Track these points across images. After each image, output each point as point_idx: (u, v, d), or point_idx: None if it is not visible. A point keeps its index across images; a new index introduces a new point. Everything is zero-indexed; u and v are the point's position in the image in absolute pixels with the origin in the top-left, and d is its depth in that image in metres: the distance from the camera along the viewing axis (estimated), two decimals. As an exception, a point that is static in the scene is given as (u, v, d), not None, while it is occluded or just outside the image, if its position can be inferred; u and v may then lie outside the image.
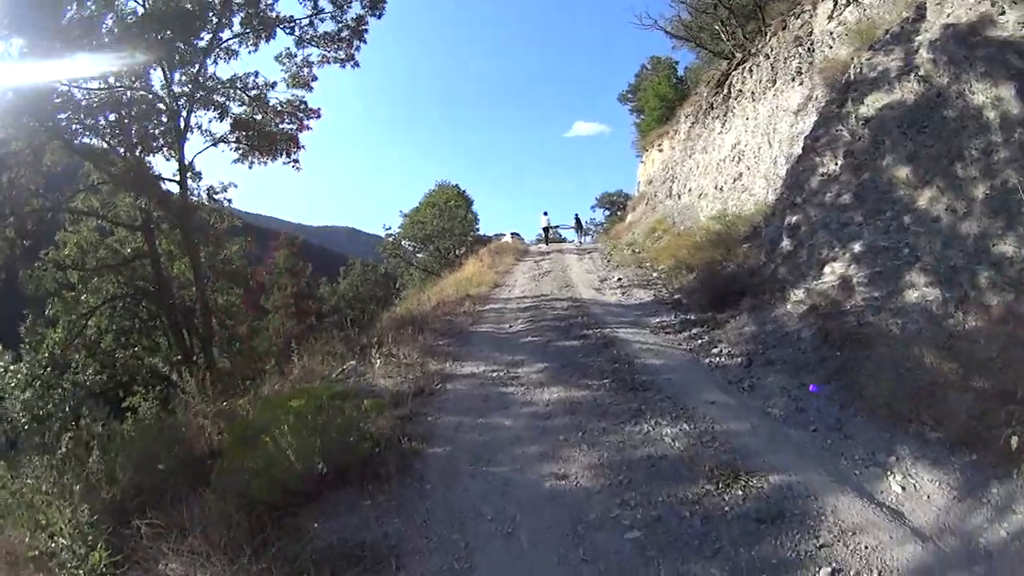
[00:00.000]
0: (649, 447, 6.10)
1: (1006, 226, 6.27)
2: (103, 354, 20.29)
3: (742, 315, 9.32)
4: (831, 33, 14.05)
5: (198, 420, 7.40)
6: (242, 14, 19.57)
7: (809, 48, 15.16)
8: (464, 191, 43.12)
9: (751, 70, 18.46)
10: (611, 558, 4.46)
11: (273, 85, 21.18)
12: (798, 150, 11.54)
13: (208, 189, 22.12)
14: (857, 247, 7.70)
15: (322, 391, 6.88)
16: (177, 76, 19.40)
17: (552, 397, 7.69)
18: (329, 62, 20.98)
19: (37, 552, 4.89)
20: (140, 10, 17.08)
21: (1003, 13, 7.35)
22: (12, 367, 14.81)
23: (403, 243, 43.04)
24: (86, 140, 18.52)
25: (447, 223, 39.47)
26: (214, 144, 20.98)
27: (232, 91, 20.74)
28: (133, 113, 18.31)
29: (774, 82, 16.62)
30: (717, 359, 8.53)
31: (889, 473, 5.17)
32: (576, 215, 39.24)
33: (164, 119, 19.28)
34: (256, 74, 20.92)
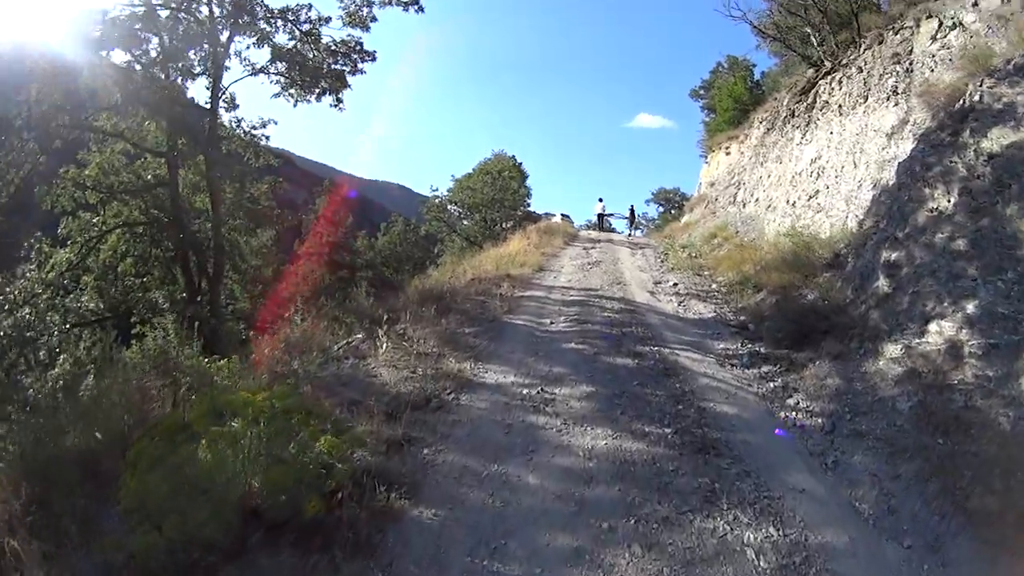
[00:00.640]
0: (727, 563, 4.52)
1: None
2: (115, 279, 19.65)
3: (823, 361, 8.09)
4: (933, 55, 12.92)
5: (151, 381, 6.21)
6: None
7: (908, 68, 13.96)
8: (520, 163, 41.67)
9: (840, 81, 17.17)
10: None
11: (327, 20, 19.93)
12: (889, 176, 10.99)
13: (238, 121, 20.90)
14: (971, 307, 6.72)
15: (280, 395, 5.09)
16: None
17: (597, 444, 6.10)
18: (391, 3, 19.72)
19: None
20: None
21: None
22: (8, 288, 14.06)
23: (449, 207, 41.58)
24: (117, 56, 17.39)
25: (498, 193, 38.01)
26: (253, 74, 19.78)
27: (282, 22, 19.59)
28: (166, 30, 17.40)
29: (865, 98, 15.46)
30: (794, 415, 7.17)
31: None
32: (631, 206, 37.91)
33: (204, 43, 18.33)
34: (310, 7, 19.74)
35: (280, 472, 4.19)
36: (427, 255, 41.26)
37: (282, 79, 20.04)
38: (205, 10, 18.37)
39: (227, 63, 19.22)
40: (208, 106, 19.33)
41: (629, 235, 34.52)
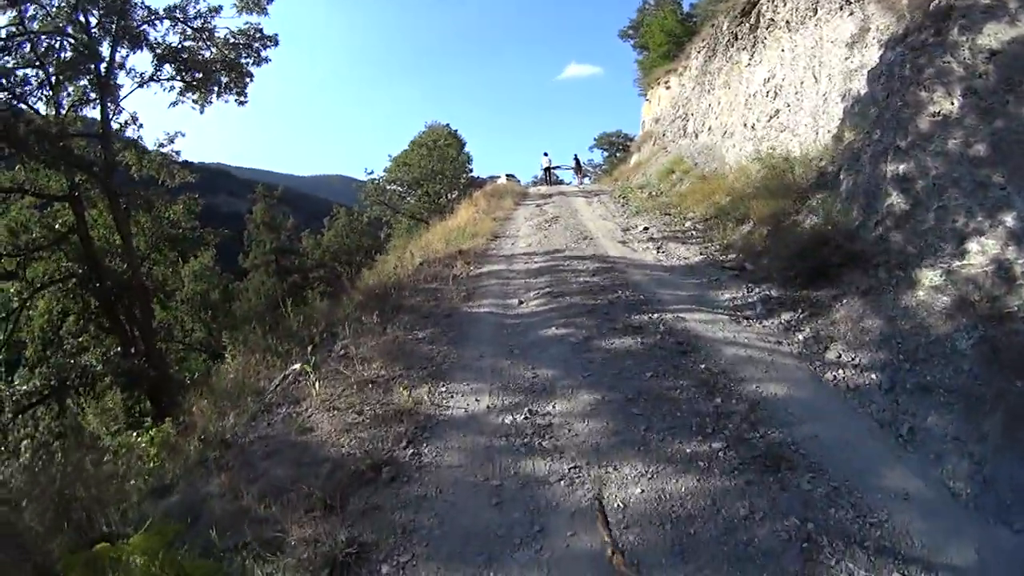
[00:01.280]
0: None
1: None
2: (58, 345, 17.71)
3: (851, 298, 6.98)
4: None
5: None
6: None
7: None
8: (456, 131, 39.29)
9: (784, -2, 16.53)
10: None
11: (218, 10, 18.11)
12: (860, 85, 10.52)
13: (133, 142, 18.80)
14: (1009, 220, 5.91)
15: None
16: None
17: (629, 495, 4.42)
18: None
19: None
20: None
21: None
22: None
23: (388, 187, 38.50)
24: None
25: (436, 164, 35.70)
26: (141, 86, 17.82)
27: (169, 22, 17.65)
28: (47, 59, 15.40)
29: (815, 11, 14.70)
30: (842, 374, 5.97)
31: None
32: (575, 155, 37.49)
33: (87, 64, 16.35)
34: (197, 0, 17.85)
35: None
36: (376, 242, 39.74)
37: (176, 84, 18.26)
38: (80, 27, 16.46)
39: (116, 79, 17.38)
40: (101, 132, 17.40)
41: (580, 184, 33.91)
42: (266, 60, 18.91)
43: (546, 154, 35.57)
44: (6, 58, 15.25)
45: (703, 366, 6.23)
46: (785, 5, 16.26)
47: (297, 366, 7.18)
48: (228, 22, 17.22)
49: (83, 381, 15.45)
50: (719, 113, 19.56)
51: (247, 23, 18.64)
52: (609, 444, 5.01)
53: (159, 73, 17.85)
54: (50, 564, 3.98)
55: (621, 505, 4.34)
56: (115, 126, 17.85)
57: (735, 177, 14.34)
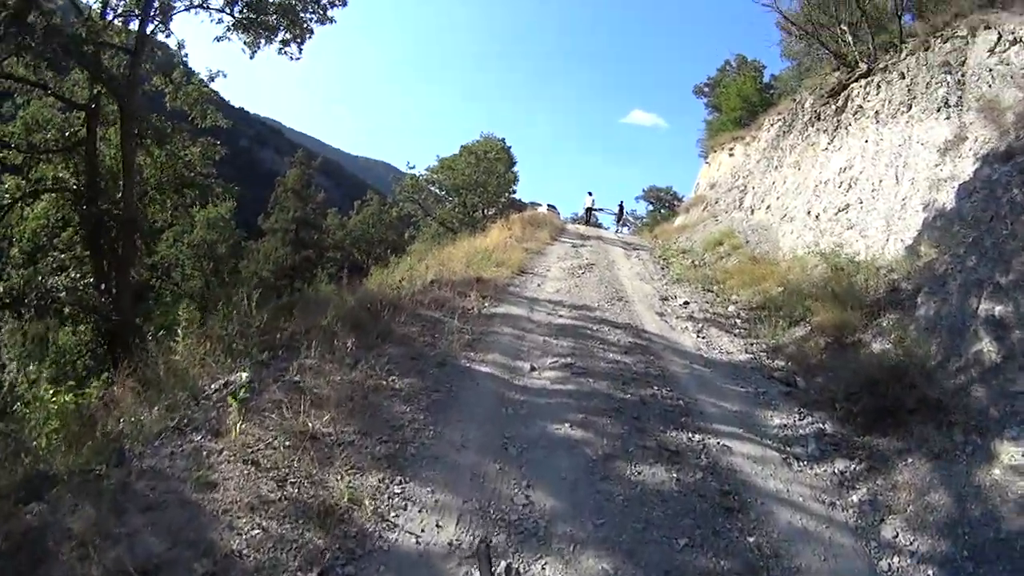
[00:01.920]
0: None
1: None
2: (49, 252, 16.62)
3: (918, 459, 5.78)
4: (990, 69, 11.35)
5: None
6: None
7: (960, 79, 12.38)
8: (509, 147, 37.91)
9: (879, 86, 15.26)
10: None
11: None
12: (947, 198, 9.71)
13: (168, 73, 17.64)
14: None
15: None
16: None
17: None
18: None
19: None
20: None
21: None
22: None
23: (426, 187, 37.20)
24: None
25: (481, 176, 34.48)
26: (187, 9, 16.59)
27: None
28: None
29: (909, 107, 13.68)
30: (896, 562, 4.78)
31: None
32: (620, 202, 36.51)
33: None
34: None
35: None
36: (401, 239, 38.99)
37: (225, 17, 16.88)
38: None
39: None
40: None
41: (616, 231, 33.02)
42: (331, 20, 17.71)
43: (591, 194, 34.46)
44: None
45: (751, 539, 4.69)
46: (878, 93, 15.27)
47: (243, 376, 5.80)
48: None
49: (42, 303, 14.18)
50: (782, 193, 18.45)
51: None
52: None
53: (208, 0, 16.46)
54: None
55: None
56: (158, 52, 17.06)
57: (789, 266, 13.35)
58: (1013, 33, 10.76)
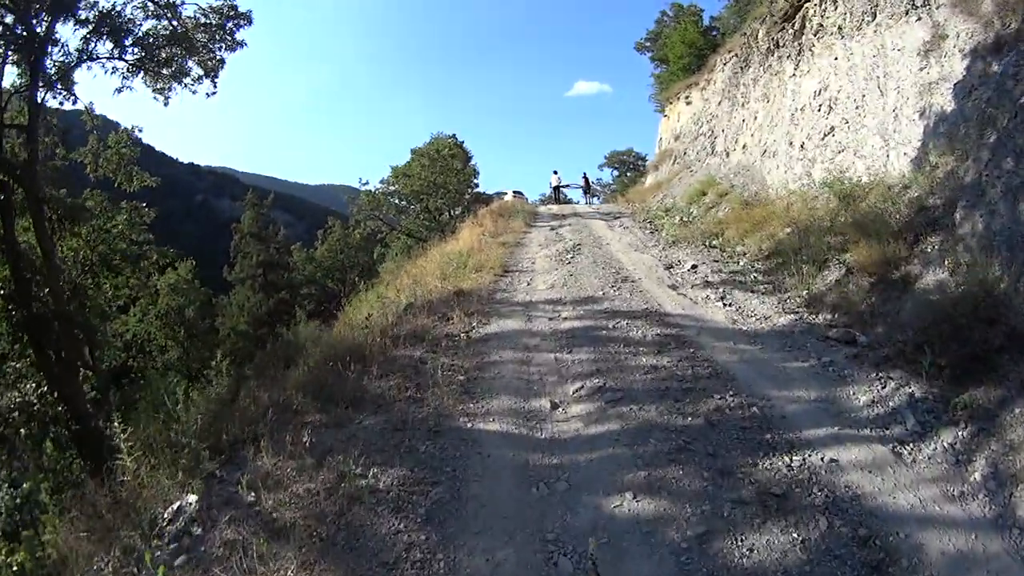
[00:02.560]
0: None
1: None
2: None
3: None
4: None
5: None
6: None
7: None
8: (462, 142, 36.05)
9: (834, 1, 14.67)
10: None
11: None
12: (942, 101, 9.37)
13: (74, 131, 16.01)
14: None
15: None
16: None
17: None
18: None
19: None
20: None
21: None
22: None
23: (386, 200, 34.90)
24: None
25: (439, 177, 32.65)
26: (78, 64, 14.54)
27: None
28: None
29: (874, 15, 13.11)
30: None
31: None
32: (584, 174, 35.80)
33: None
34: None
35: None
36: (372, 257, 37.77)
37: (118, 64, 15.04)
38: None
39: (46, 56, 14.08)
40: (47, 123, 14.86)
41: (587, 203, 32.92)
42: (241, 44, 16.04)
43: (555, 172, 33.68)
44: None
45: None
46: (836, 8, 14.60)
47: (191, 501, 4.51)
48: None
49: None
50: (755, 129, 17.73)
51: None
52: None
53: (92, 50, 14.59)
54: None
55: None
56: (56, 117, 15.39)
57: (787, 203, 12.56)
58: (969, -82, 10.06)
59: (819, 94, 14.26)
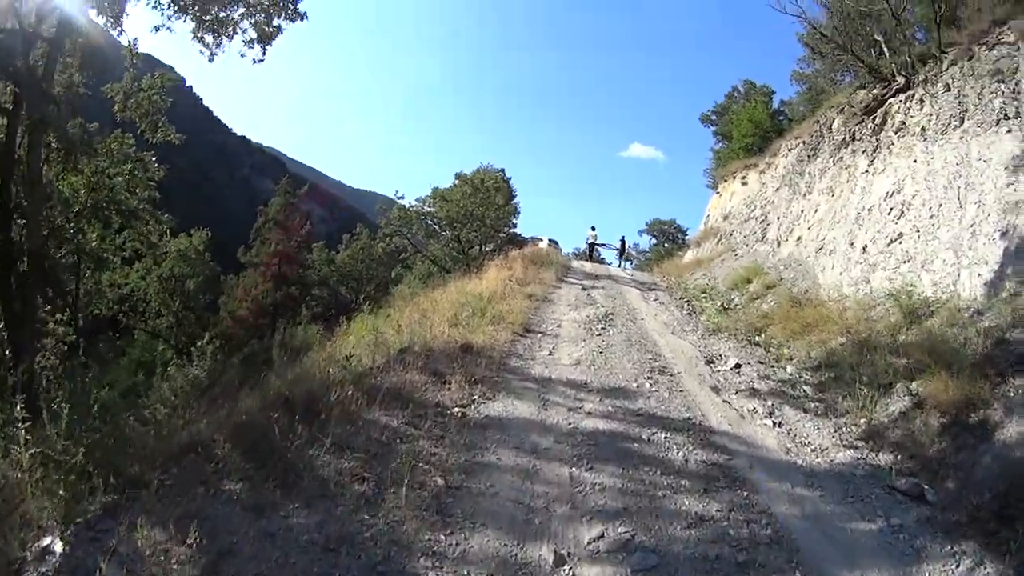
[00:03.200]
0: None
1: None
2: None
3: None
4: None
5: None
6: None
7: (1015, 88, 11.18)
8: (509, 178, 34.92)
9: (922, 100, 13.75)
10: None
11: None
12: None
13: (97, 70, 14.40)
14: None
15: None
16: None
17: None
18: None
19: None
20: None
21: None
22: None
23: (418, 219, 32.94)
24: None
25: (478, 208, 30.98)
26: None
27: None
28: None
29: (961, 121, 12.41)
30: None
31: None
32: (622, 237, 34.80)
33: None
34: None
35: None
36: (391, 273, 36.88)
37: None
38: None
39: None
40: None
41: (619, 266, 31.62)
42: (303, 16, 14.01)
43: (593, 228, 32.77)
44: None
45: None
46: (922, 109, 13.86)
47: (58, 549, 3.36)
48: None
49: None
50: (813, 223, 16.88)
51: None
52: None
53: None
54: None
55: None
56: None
57: (840, 308, 11.58)
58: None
59: (891, 196, 13.40)
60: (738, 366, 9.79)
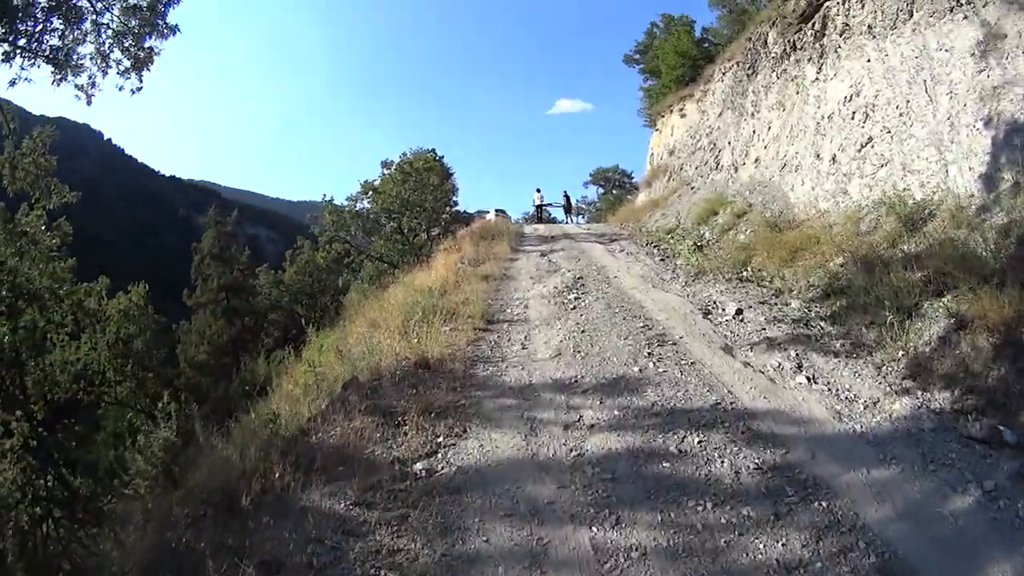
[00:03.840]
0: None
1: None
2: None
3: None
4: None
5: None
6: None
7: None
8: (441, 157, 32.61)
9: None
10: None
11: None
12: (1013, 108, 8.40)
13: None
14: None
15: None
16: None
17: None
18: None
19: None
20: None
21: None
22: None
23: (352, 218, 30.32)
24: None
25: (414, 194, 28.93)
26: None
27: None
28: None
29: (910, 14, 11.70)
30: None
31: None
32: (565, 192, 34.03)
33: None
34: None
35: None
36: (342, 279, 35.03)
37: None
38: None
39: None
40: None
41: (575, 223, 31.64)
42: (174, 30, 11.95)
43: (539, 190, 32.45)
44: None
45: None
46: (863, 7, 13.18)
47: None
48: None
49: None
50: (770, 141, 16.19)
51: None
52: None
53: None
54: None
55: None
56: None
57: (825, 225, 11.08)
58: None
59: (850, 100, 12.83)
60: (739, 312, 8.70)
